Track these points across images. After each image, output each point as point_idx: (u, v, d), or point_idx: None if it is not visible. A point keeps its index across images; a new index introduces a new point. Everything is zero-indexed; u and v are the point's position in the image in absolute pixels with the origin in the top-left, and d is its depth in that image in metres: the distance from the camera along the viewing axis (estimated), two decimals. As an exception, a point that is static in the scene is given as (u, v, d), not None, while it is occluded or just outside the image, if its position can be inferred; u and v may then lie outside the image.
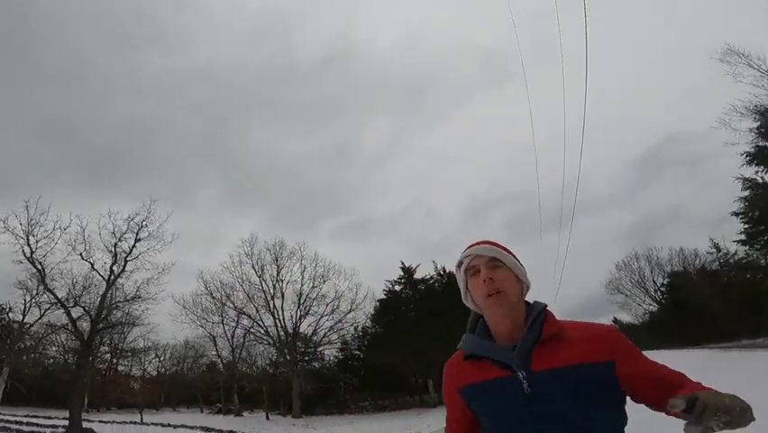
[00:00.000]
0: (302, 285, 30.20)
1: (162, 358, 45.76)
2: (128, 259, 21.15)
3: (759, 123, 21.23)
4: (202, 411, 43.72)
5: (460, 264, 1.41)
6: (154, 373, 45.85)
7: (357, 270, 31.25)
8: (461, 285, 1.42)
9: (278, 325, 30.19)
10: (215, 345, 38.40)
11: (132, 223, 21.36)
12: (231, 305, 31.18)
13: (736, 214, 28.35)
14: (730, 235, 33.04)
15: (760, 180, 25.29)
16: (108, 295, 21.22)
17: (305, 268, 30.22)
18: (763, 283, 31.24)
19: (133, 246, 21.27)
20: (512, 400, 1.22)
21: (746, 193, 26.54)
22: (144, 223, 21.43)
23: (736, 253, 35.15)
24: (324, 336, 31.58)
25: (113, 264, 21.14)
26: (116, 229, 21.23)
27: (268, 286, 30.14)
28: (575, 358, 1.21)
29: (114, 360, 41.13)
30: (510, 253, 1.38)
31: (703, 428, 0.98)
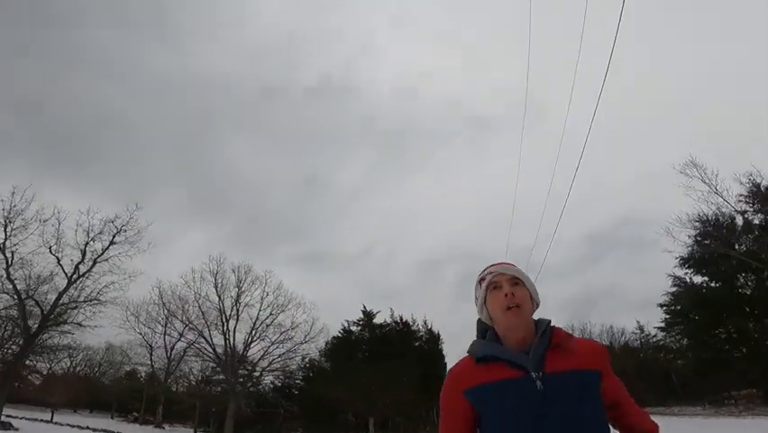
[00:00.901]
0: (260, 311, 30.26)
1: (75, 359, 43.16)
2: (98, 260, 20.63)
3: (697, 231, 24.18)
4: (113, 418, 41.32)
5: (481, 280, 1.57)
6: (60, 372, 42.89)
7: (316, 304, 31.49)
8: (479, 298, 1.56)
9: (228, 345, 29.91)
10: (151, 354, 36.91)
11: (110, 225, 20.91)
12: (181, 318, 30.48)
13: (662, 305, 32.12)
14: (653, 321, 37.35)
15: (688, 281, 28.95)
16: (66, 293, 20.47)
17: (266, 295, 30.34)
18: (672, 363, 35.98)
19: (107, 248, 20.80)
20: (525, 399, 1.33)
21: (674, 289, 30.27)
22: (123, 228, 21.03)
23: (655, 336, 39.37)
24: (271, 363, 31.60)
25: (79, 263, 20.54)
26: (91, 228, 20.72)
27: (224, 306, 29.94)
28: (579, 364, 1.37)
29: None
30: (527, 276, 1.55)
31: None
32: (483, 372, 1.42)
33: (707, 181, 18.64)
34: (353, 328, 30.99)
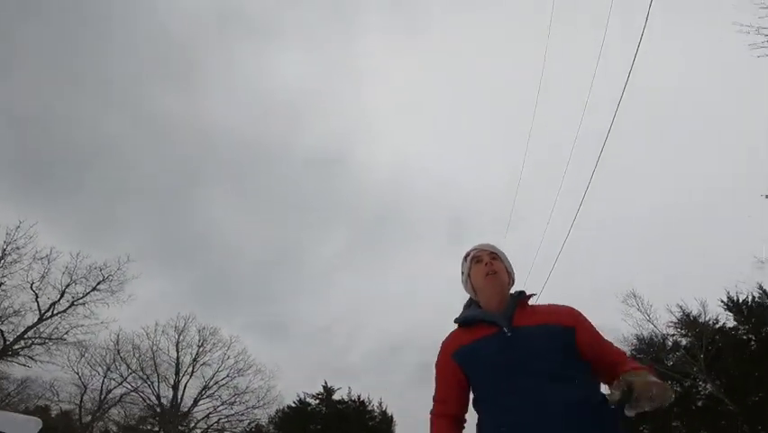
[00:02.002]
0: (217, 371, 30.38)
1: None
2: (76, 303, 21.32)
3: (633, 347, 25.62)
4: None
5: (467, 256, 1.87)
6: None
7: (275, 373, 31.72)
8: (464, 272, 1.86)
9: (176, 398, 29.59)
10: (83, 393, 35.43)
11: (97, 271, 21.82)
12: (132, 366, 30.18)
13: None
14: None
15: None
16: (35, 329, 20.86)
17: (228, 358, 30.64)
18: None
19: (88, 293, 21.57)
20: (497, 349, 1.56)
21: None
22: (110, 277, 21.98)
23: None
24: (218, 421, 31.06)
25: (56, 302, 21.15)
26: (75, 270, 21.55)
27: (181, 362, 30.08)
28: (546, 320, 1.60)
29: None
30: (504, 253, 1.84)
31: (638, 409, 1.32)
32: (467, 335, 1.66)
33: (642, 310, 21.44)
34: (310, 401, 31.14)
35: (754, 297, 19.96)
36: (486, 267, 1.76)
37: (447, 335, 1.77)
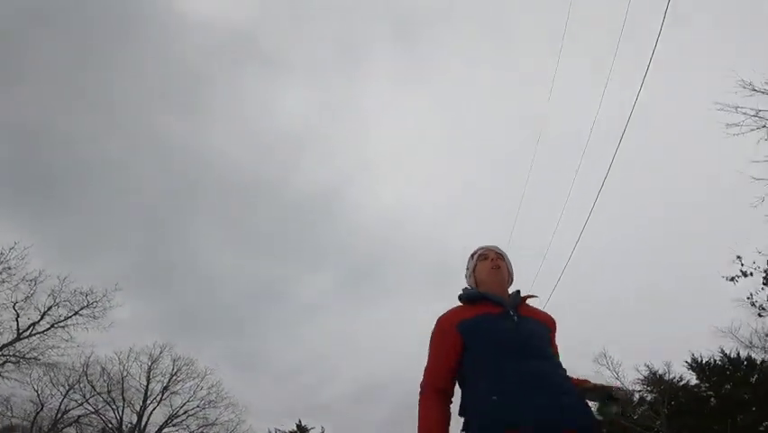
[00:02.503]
0: (188, 401, 29.92)
1: None
2: (56, 325, 21.22)
3: None
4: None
5: (473, 255, 2.06)
6: None
7: (248, 408, 31.23)
8: (470, 268, 2.05)
9: (141, 423, 28.89)
10: (39, 411, 34.03)
11: (82, 296, 21.81)
12: (99, 389, 29.41)
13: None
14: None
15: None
16: (11, 347, 20.63)
17: (200, 389, 30.24)
18: None
19: (70, 316, 21.51)
20: (505, 327, 1.70)
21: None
22: (95, 303, 21.99)
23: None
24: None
25: (35, 323, 21.03)
26: (59, 294, 21.44)
27: (150, 389, 29.60)
28: (538, 317, 1.83)
29: None
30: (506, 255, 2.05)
31: (617, 408, 1.64)
32: (471, 309, 1.79)
33: (611, 369, 22.57)
34: (282, 440, 30.75)
35: (715, 360, 21.56)
36: (491, 262, 1.96)
37: (447, 311, 1.84)
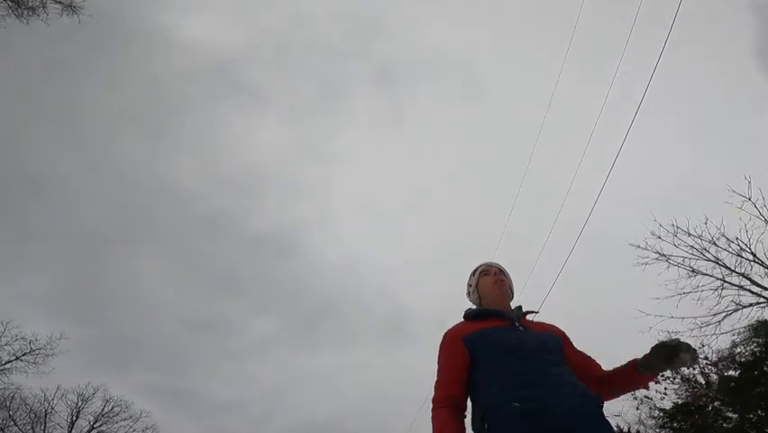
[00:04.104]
0: (120, 441, 29.19)
1: None
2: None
3: None
4: None
5: (475, 271, 2.12)
6: None
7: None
8: (472, 284, 2.09)
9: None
10: None
11: (24, 343, 20.92)
12: (22, 421, 28.16)
13: None
14: None
15: None
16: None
17: (134, 430, 29.61)
18: None
19: (9, 361, 20.78)
20: (513, 340, 1.72)
21: None
22: (39, 350, 21.05)
23: None
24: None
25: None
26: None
27: (80, 426, 28.71)
28: (543, 330, 1.83)
29: None
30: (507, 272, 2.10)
31: (690, 356, 1.57)
32: (478, 324, 1.82)
33: None
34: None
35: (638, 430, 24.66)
36: (494, 277, 2.03)
37: (453, 326, 1.88)
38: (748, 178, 10.88)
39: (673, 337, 1.74)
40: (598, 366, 1.85)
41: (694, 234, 11.57)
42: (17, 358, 21.18)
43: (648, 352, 1.67)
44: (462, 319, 1.94)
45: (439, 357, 1.83)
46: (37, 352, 21.32)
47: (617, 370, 1.78)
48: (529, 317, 1.96)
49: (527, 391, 1.54)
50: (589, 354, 1.89)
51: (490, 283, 2.02)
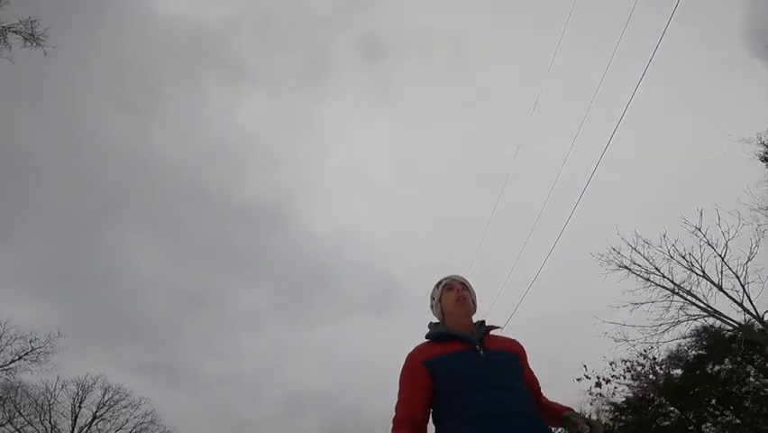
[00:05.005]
0: (121, 427, 30.51)
1: None
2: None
3: None
4: None
5: (439, 284, 2.13)
6: None
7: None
8: (435, 298, 2.11)
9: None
10: None
11: (25, 342, 21.84)
12: (27, 417, 29.50)
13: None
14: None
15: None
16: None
17: (134, 418, 30.71)
18: None
19: (13, 361, 21.76)
20: (473, 364, 1.75)
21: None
22: (40, 349, 21.94)
23: None
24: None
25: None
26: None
27: (78, 415, 29.89)
28: (505, 348, 1.88)
29: None
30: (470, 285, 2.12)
31: None
32: (438, 347, 1.84)
33: None
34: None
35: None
36: (457, 293, 2.04)
37: (416, 347, 1.91)
38: (700, 210, 11.93)
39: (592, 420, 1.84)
40: (539, 391, 1.99)
41: (654, 246, 12.66)
42: (20, 358, 22.04)
43: (570, 418, 1.81)
44: (425, 339, 1.97)
45: (401, 379, 1.87)
46: (38, 351, 22.15)
47: (552, 406, 1.94)
48: (493, 332, 1.99)
49: (478, 421, 1.62)
50: (536, 377, 2.00)
51: (453, 300, 2.03)
